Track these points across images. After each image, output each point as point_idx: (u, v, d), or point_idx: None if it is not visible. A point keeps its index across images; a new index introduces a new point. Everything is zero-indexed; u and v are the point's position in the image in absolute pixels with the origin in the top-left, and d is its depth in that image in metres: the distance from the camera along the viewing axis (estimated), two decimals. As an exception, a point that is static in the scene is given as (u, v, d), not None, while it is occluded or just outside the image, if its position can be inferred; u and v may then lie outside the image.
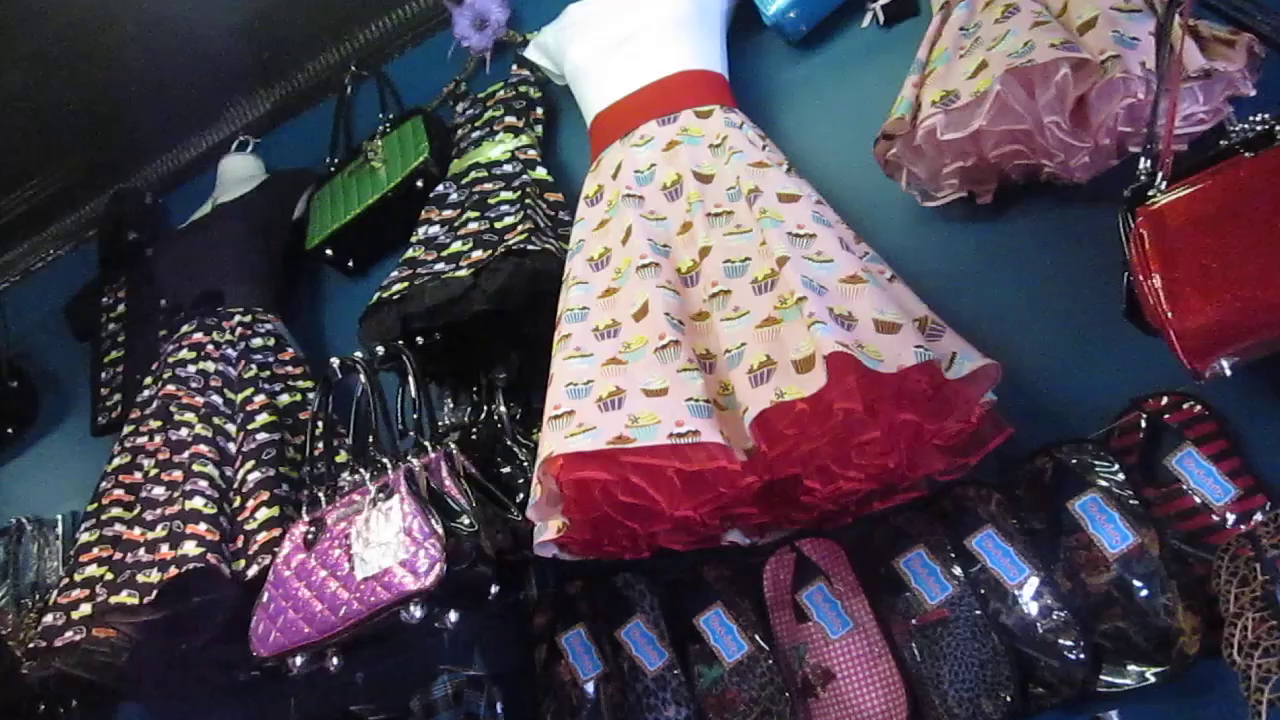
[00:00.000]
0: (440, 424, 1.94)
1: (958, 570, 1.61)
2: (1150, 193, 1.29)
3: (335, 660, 1.74)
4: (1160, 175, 1.29)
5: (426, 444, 1.77)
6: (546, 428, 1.54)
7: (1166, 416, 1.55)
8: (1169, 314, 1.20)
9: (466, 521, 1.65)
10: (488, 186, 2.09)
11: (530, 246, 1.86)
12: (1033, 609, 1.55)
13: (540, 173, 2.14)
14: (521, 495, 1.80)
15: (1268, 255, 1.15)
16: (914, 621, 1.64)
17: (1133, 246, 1.26)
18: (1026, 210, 1.75)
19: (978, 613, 1.59)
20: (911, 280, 1.64)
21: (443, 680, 1.99)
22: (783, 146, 1.85)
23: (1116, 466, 1.54)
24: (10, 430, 3.12)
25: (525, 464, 1.85)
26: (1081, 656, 1.50)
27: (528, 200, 2.02)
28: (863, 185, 1.85)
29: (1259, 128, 1.30)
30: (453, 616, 1.71)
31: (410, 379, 1.85)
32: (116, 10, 2.48)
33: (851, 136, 1.87)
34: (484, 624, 1.97)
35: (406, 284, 1.96)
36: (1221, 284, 1.18)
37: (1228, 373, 1.22)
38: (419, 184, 2.28)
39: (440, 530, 1.60)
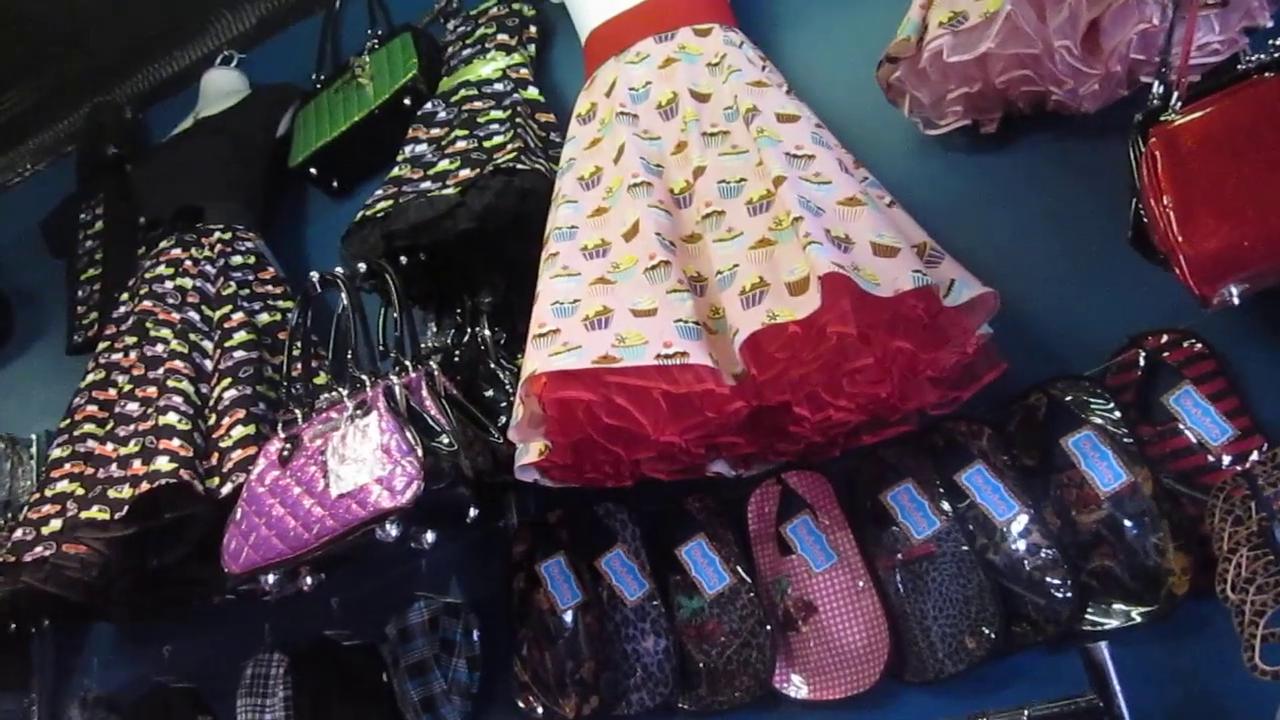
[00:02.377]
0: (423, 346, 1.89)
1: (946, 506, 1.59)
2: (1164, 116, 1.25)
3: (309, 580, 1.72)
4: (1176, 97, 1.24)
5: (407, 363, 1.73)
6: (530, 346, 1.50)
7: (1165, 354, 1.51)
8: (1179, 237, 1.16)
9: (446, 441, 1.61)
10: (477, 105, 2.03)
11: (519, 165, 1.81)
12: (1020, 546, 1.53)
13: (532, 92, 2.08)
14: (504, 419, 1.75)
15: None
16: (899, 556, 1.62)
17: (1144, 168, 1.21)
18: (1031, 140, 1.70)
19: (964, 549, 1.56)
20: (911, 209, 1.60)
21: (419, 606, 1.97)
22: (783, 69, 1.80)
23: (1112, 404, 1.51)
24: (-15, 348, 3.07)
25: (508, 388, 1.80)
26: (1068, 595, 1.48)
27: (518, 119, 1.96)
28: (864, 111, 1.80)
29: (1277, 53, 1.25)
30: (429, 537, 1.69)
31: (393, 298, 1.80)
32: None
33: (854, 61, 1.81)
34: (462, 551, 1.95)
35: (391, 201, 1.91)
36: (1236, 206, 1.13)
37: (1236, 300, 1.18)
38: (407, 101, 2.22)
39: (419, 448, 1.56)
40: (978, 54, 1.51)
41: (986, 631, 1.53)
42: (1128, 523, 1.46)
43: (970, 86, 1.62)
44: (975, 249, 1.60)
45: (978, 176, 1.74)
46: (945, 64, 1.55)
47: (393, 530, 1.55)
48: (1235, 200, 1.14)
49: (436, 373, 1.71)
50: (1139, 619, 1.44)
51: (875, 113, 1.77)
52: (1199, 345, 1.49)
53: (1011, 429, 1.58)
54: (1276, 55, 1.26)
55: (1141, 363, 1.52)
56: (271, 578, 1.67)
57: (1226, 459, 1.44)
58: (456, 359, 1.88)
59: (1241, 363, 1.48)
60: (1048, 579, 1.50)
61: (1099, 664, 1.27)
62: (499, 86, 2.07)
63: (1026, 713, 1.36)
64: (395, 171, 2.02)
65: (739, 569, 1.72)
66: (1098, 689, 1.28)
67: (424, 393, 1.66)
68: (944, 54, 1.53)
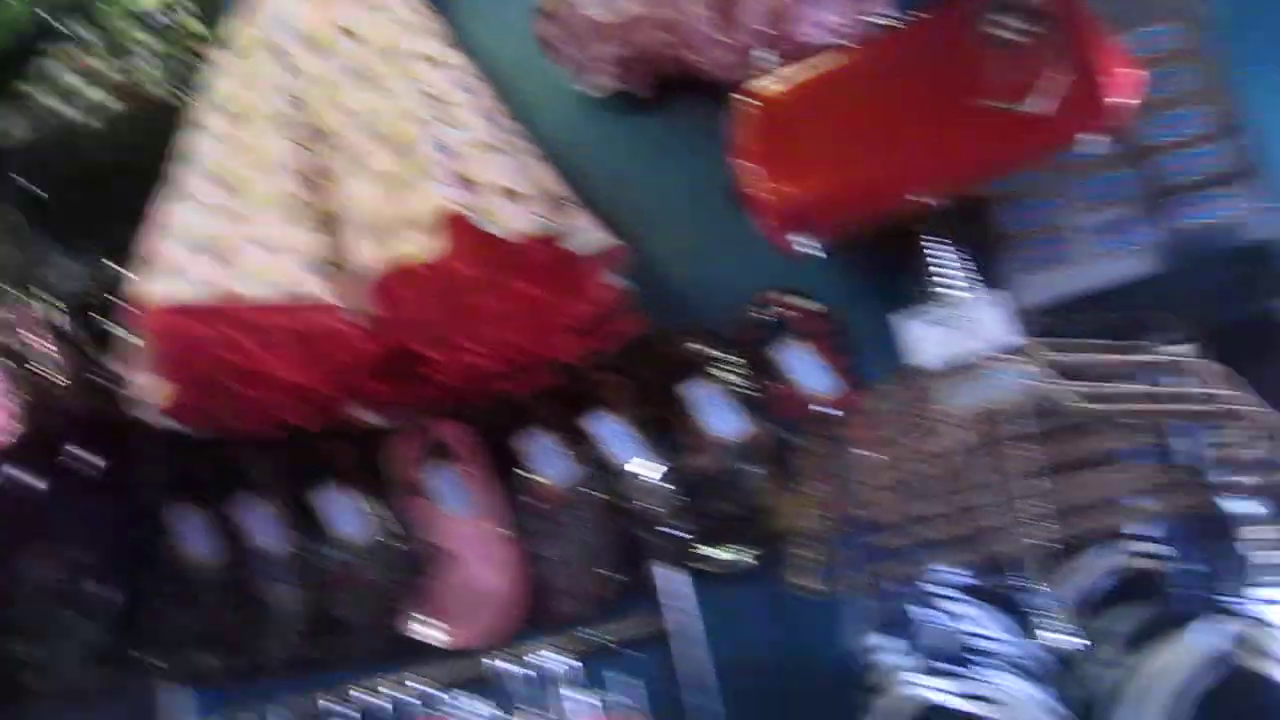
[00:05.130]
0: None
1: (577, 452, 1.64)
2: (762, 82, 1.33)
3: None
4: (779, 62, 1.33)
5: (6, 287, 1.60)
6: (142, 275, 1.42)
7: (782, 311, 1.61)
8: (758, 192, 1.25)
9: (55, 377, 1.51)
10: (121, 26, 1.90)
11: (156, 91, 1.71)
12: (644, 490, 1.60)
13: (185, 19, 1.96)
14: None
15: (857, 137, 1.21)
16: (534, 502, 1.65)
17: (735, 129, 1.29)
18: (687, 106, 1.75)
19: (594, 495, 1.62)
20: (561, 166, 1.61)
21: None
22: (448, 17, 1.78)
23: (732, 356, 1.60)
24: None
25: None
26: (688, 536, 1.57)
27: (167, 46, 1.85)
28: (528, 67, 1.80)
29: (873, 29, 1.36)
30: (41, 484, 1.57)
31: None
32: None
33: (522, 14, 1.82)
34: (85, 500, 1.83)
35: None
36: (809, 164, 1.23)
37: (820, 253, 1.28)
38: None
39: (18, 383, 1.45)
40: (622, 16, 1.55)
41: (618, 575, 1.59)
42: (743, 467, 1.56)
43: (621, 49, 1.65)
44: (619, 208, 1.64)
45: (630, 138, 1.78)
46: (596, 23, 1.58)
47: None
48: (808, 159, 1.24)
49: (42, 305, 1.59)
50: (753, 560, 1.55)
51: (539, 69, 1.78)
52: (814, 305, 1.60)
53: (640, 379, 1.65)
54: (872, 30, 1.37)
55: (761, 319, 1.62)
56: None
57: (835, 410, 1.56)
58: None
59: (854, 322, 1.60)
60: (671, 521, 1.58)
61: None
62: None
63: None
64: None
65: (380, 517, 1.70)
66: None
67: (27, 325, 1.54)
68: (590, 12, 1.56)
